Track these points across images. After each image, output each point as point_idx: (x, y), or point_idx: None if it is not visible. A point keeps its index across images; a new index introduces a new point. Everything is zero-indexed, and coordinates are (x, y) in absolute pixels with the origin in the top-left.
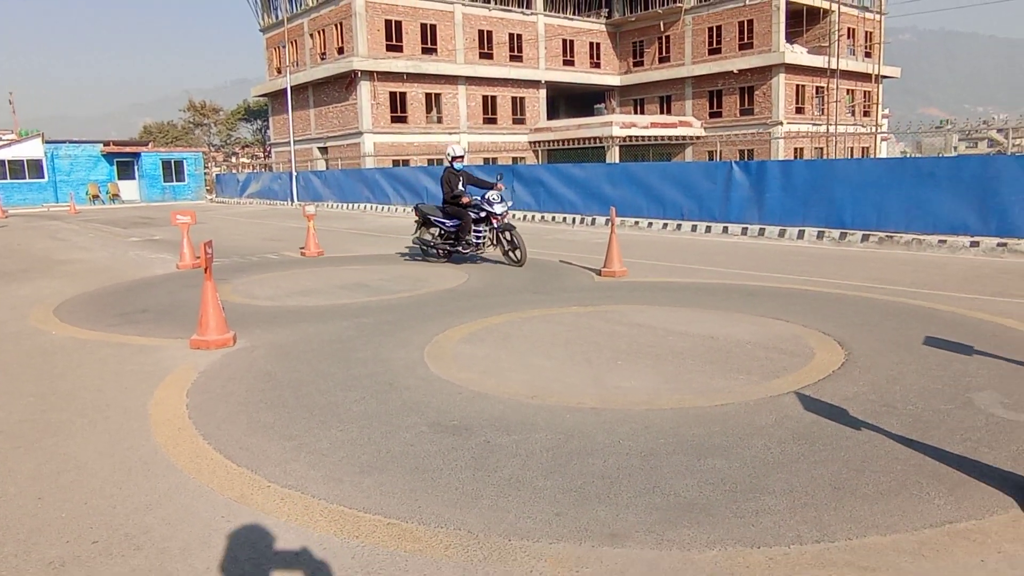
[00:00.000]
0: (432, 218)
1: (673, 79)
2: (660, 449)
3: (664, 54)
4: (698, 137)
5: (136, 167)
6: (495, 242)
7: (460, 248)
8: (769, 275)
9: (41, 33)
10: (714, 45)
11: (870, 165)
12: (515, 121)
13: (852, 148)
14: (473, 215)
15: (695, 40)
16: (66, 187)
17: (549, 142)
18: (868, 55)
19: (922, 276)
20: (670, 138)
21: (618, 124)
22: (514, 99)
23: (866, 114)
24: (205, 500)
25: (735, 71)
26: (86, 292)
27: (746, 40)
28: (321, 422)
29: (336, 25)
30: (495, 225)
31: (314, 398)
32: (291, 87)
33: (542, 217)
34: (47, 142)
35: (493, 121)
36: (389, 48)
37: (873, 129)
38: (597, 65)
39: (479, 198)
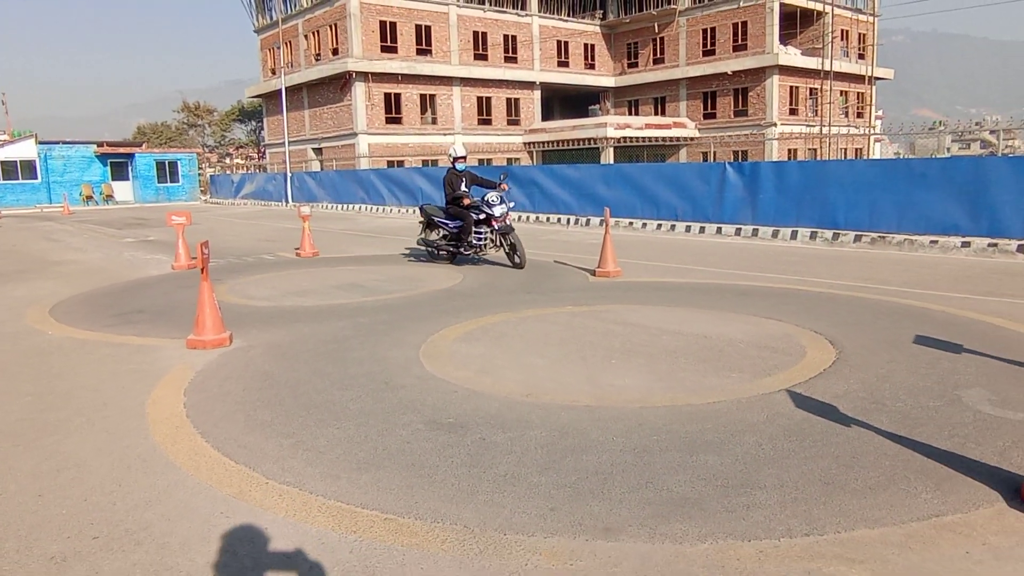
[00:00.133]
0: (435, 219)
1: (667, 80)
2: (653, 446)
3: (658, 55)
4: (692, 138)
5: (130, 168)
6: (496, 244)
7: (462, 249)
8: (762, 275)
9: (33, 33)
10: (708, 47)
11: (863, 166)
12: (510, 122)
13: (845, 149)
14: (475, 216)
15: (689, 42)
16: (59, 188)
17: (544, 143)
18: (861, 57)
19: (914, 276)
20: (664, 139)
21: (612, 125)
22: (509, 100)
23: (859, 115)
24: (204, 496)
25: (729, 72)
26: (81, 293)
27: (740, 42)
28: (318, 420)
29: (331, 26)
30: (495, 227)
31: (311, 397)
32: (286, 88)
33: (536, 218)
34: (40, 143)
35: (488, 122)
36: (384, 49)
37: (866, 130)
38: (592, 66)
39: (480, 199)
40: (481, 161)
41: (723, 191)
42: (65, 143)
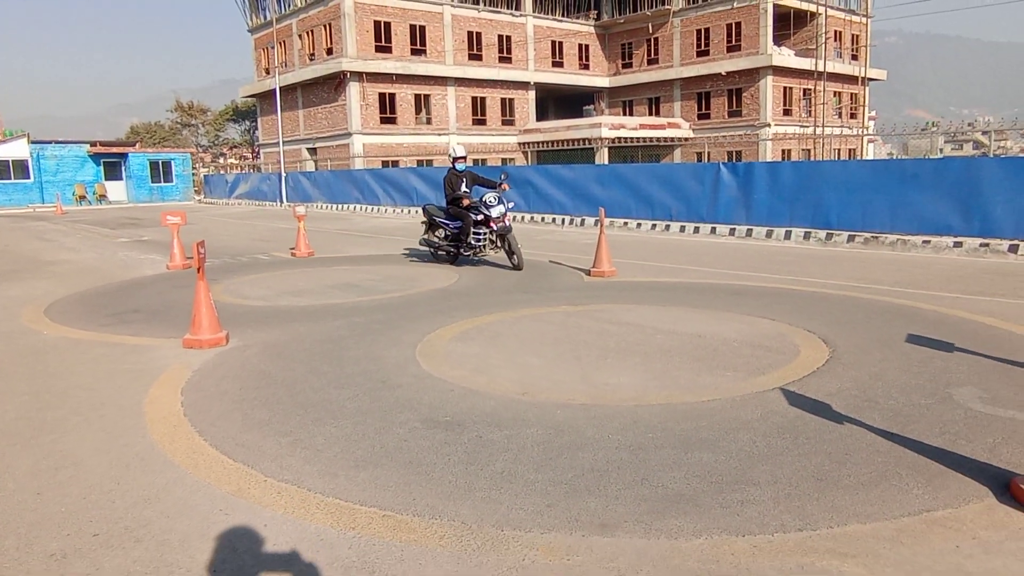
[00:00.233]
0: (437, 219)
1: (662, 81)
2: (648, 443)
3: (653, 56)
4: (686, 139)
5: (123, 168)
6: (495, 245)
7: (462, 250)
8: (756, 275)
9: (25, 32)
10: (702, 47)
11: (856, 167)
12: (504, 122)
13: (839, 150)
14: (474, 216)
15: (683, 42)
16: (52, 188)
17: (538, 143)
18: (855, 57)
19: (906, 276)
20: (659, 139)
21: (607, 125)
22: (503, 100)
23: (853, 116)
24: (203, 494)
25: (723, 73)
26: (76, 292)
27: (734, 42)
28: (315, 419)
29: (325, 26)
30: (494, 228)
31: (308, 396)
32: (280, 88)
33: (531, 218)
34: (33, 142)
35: (483, 122)
36: (378, 49)
37: (860, 131)
38: (586, 67)
39: (479, 200)
40: (476, 161)
41: (717, 191)
42: (58, 143)
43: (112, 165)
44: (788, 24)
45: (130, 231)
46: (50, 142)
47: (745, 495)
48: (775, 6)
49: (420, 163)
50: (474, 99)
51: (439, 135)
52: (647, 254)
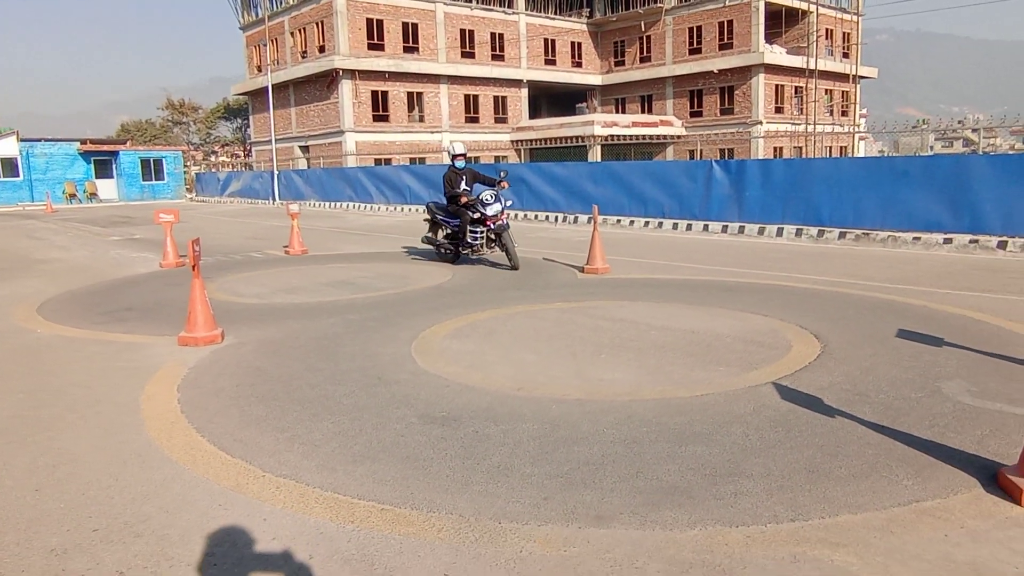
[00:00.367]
0: (438, 217)
1: (654, 79)
2: (643, 437)
3: (645, 54)
4: (679, 136)
5: (114, 166)
6: (493, 244)
7: (460, 248)
8: (748, 271)
9: (13, 29)
10: (694, 45)
11: (847, 164)
12: (497, 120)
13: (830, 147)
14: (471, 215)
15: (676, 40)
16: (42, 186)
17: (531, 141)
18: (846, 55)
19: (897, 272)
20: (651, 137)
21: (600, 123)
22: (496, 98)
23: (844, 114)
24: (201, 489)
25: (715, 71)
26: (69, 291)
27: (726, 40)
28: (312, 415)
29: (317, 23)
30: (490, 227)
31: (304, 392)
32: (272, 85)
33: (525, 215)
34: (22, 140)
35: (475, 120)
36: (371, 47)
37: (851, 128)
38: (579, 64)
39: (476, 197)
40: (469, 159)
41: (710, 189)
42: (47, 140)
43: (103, 163)
44: (780, 22)
45: (122, 229)
46: (40, 140)
47: (738, 487)
48: (767, 4)
49: (413, 161)
50: (467, 97)
51: (432, 133)
52: (640, 251)
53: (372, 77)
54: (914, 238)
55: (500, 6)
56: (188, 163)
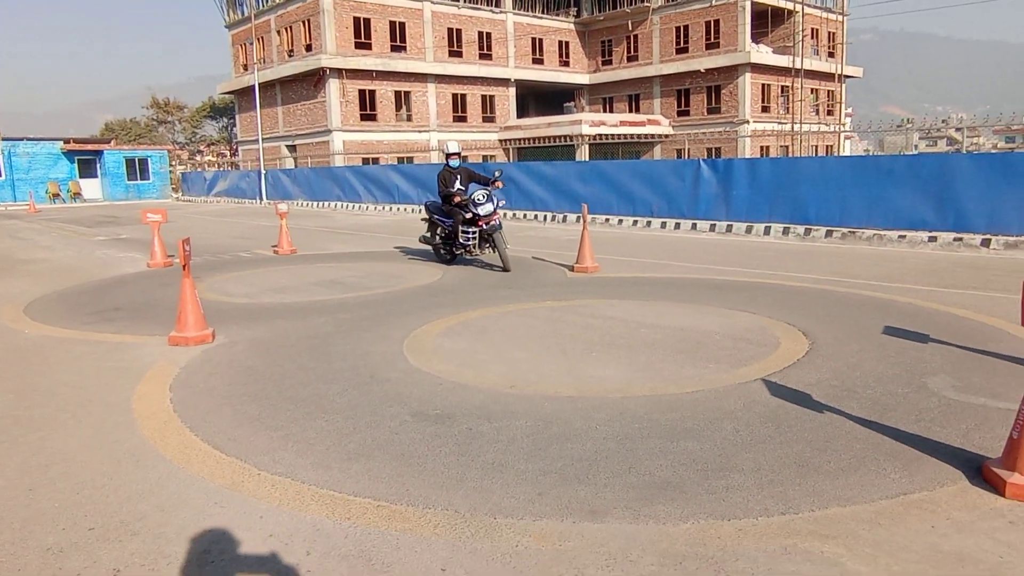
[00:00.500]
0: (434, 217)
1: (641, 78)
2: (635, 433)
3: (632, 53)
4: (666, 135)
5: (98, 165)
6: (486, 244)
7: (454, 248)
8: (736, 270)
9: None
10: (681, 44)
11: (833, 163)
12: (485, 119)
13: (816, 146)
14: (463, 215)
15: (663, 39)
16: (25, 185)
17: (519, 140)
18: (831, 55)
19: (882, 270)
20: (639, 136)
21: (587, 122)
22: (484, 97)
23: (830, 113)
24: (197, 488)
25: (702, 70)
26: (55, 291)
27: (712, 40)
28: (306, 413)
29: (304, 22)
30: (483, 227)
31: (297, 391)
32: (258, 84)
33: (514, 215)
34: (3, 139)
35: (463, 119)
36: (358, 45)
37: (837, 128)
38: (566, 63)
39: (468, 197)
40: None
41: (698, 188)
42: (30, 140)
43: (87, 162)
44: (766, 22)
45: (108, 229)
46: (22, 139)
47: (729, 481)
48: (753, 4)
49: (401, 160)
50: (455, 96)
51: (420, 132)
52: (629, 250)
53: (359, 76)
54: (899, 236)
55: (487, 5)
56: (174, 162)
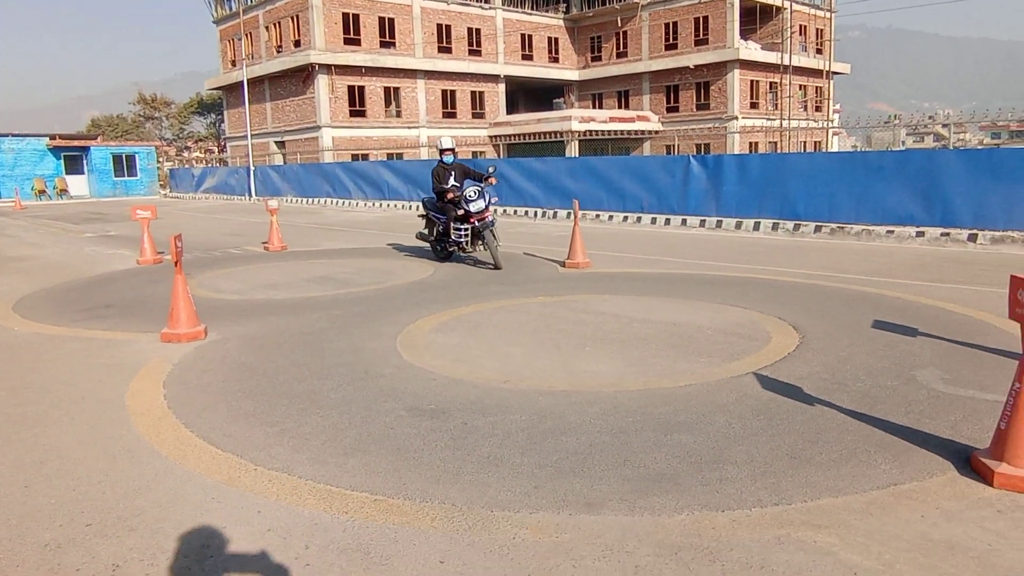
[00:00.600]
0: (430, 213)
1: (631, 74)
2: (629, 427)
3: (622, 49)
4: (656, 131)
5: (85, 161)
6: (478, 241)
7: (448, 245)
8: (727, 265)
9: None
10: (670, 41)
11: (821, 159)
12: (475, 115)
13: (805, 142)
14: (456, 211)
15: (652, 36)
16: (10, 182)
17: (509, 136)
18: (819, 51)
19: (871, 265)
20: (628, 132)
21: (577, 118)
22: (473, 93)
23: (818, 109)
24: (194, 484)
25: (691, 67)
26: (44, 289)
27: (701, 36)
28: (301, 409)
29: (292, 17)
30: (475, 224)
31: (291, 387)
32: (247, 80)
33: (504, 211)
34: None
35: (453, 115)
36: (347, 41)
37: (825, 124)
38: (556, 60)
39: (461, 193)
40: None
41: (687, 183)
42: (15, 136)
43: (73, 159)
44: (754, 18)
45: (96, 226)
46: (7, 135)
47: (723, 473)
48: (741, 0)
49: (390, 156)
50: (444, 92)
51: (409, 128)
52: (620, 245)
53: (348, 72)
54: (888, 231)
55: (477, 1)
56: (161, 159)
